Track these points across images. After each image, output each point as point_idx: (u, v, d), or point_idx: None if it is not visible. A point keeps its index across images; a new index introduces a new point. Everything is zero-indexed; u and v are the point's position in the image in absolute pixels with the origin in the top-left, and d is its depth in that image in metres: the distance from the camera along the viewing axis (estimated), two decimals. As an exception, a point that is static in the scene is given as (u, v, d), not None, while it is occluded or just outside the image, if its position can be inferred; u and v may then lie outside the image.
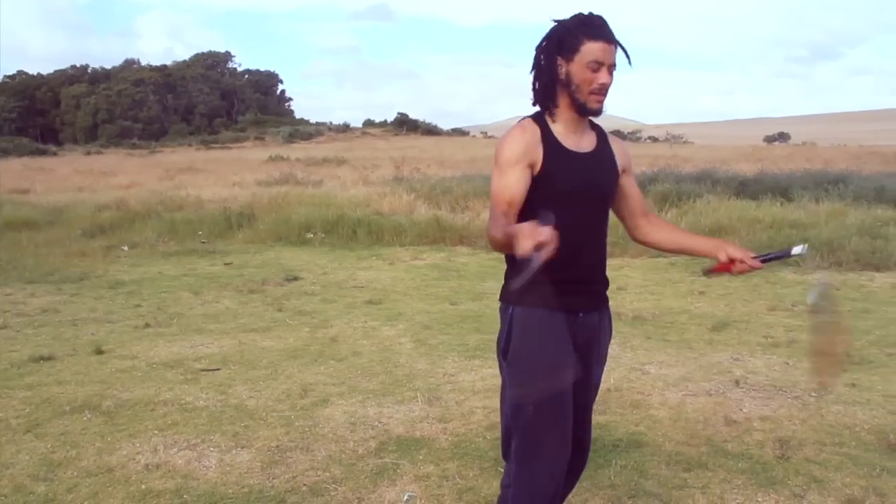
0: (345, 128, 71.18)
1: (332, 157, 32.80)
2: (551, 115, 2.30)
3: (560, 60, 2.23)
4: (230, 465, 3.57)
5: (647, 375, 4.89)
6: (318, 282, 8.52)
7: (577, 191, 2.32)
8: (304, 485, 3.36)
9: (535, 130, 2.28)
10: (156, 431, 3.97)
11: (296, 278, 8.63)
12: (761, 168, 16.89)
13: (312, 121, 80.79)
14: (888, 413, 4.19)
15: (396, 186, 16.17)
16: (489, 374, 4.97)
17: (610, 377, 4.83)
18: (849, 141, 55.54)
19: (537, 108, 2.35)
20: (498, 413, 4.21)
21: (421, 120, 76.46)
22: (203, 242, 11.64)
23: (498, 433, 3.93)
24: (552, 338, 2.33)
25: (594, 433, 3.97)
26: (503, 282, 2.43)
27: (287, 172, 20.52)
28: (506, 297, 2.38)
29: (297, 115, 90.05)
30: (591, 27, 2.20)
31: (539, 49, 2.30)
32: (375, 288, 8.21)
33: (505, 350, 2.36)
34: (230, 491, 3.30)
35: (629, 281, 8.53)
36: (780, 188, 12.62)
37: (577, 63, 2.20)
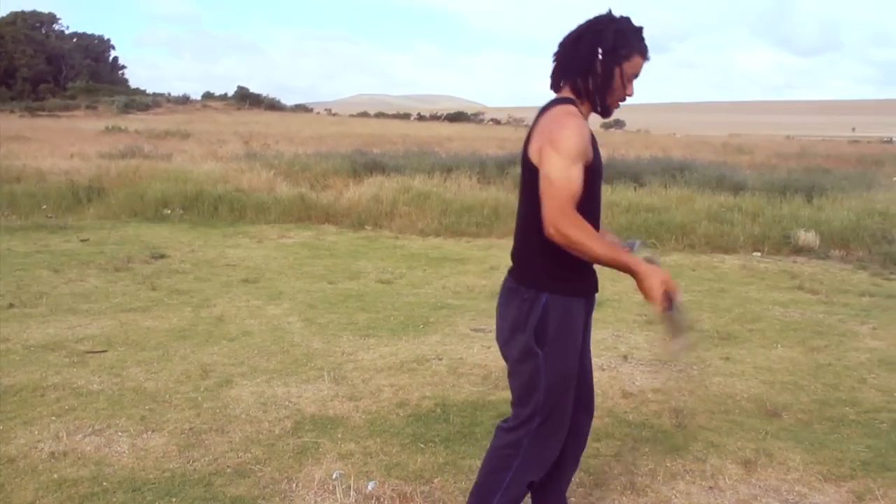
0: (184, 100, 68.31)
1: (174, 130, 31.57)
2: (581, 104, 2.35)
3: (608, 60, 2.29)
4: (144, 449, 3.44)
5: (540, 352, 5.08)
6: (186, 260, 8.23)
7: (601, 180, 2.43)
8: (228, 467, 3.29)
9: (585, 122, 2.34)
10: (53, 417, 3.75)
11: (162, 256, 8.30)
12: (611, 154, 17.71)
13: (149, 91, 77.05)
14: (761, 383, 4.58)
15: (252, 162, 15.79)
16: (387, 352, 5.03)
17: (506, 354, 5.00)
18: (678, 130, 59.06)
19: (566, 96, 2.37)
20: (406, 390, 4.30)
21: (264, 94, 74.79)
22: (49, 217, 10.93)
23: (409, 410, 4.02)
24: (579, 324, 2.44)
25: (504, 408, 4.13)
26: (525, 265, 2.44)
27: (133, 145, 19.53)
28: (536, 282, 2.37)
29: (132, 85, 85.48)
30: (643, 43, 2.31)
31: (591, 40, 2.30)
32: (248, 266, 8.03)
33: (540, 337, 2.35)
34: (151, 476, 3.18)
35: (500, 261, 8.75)
36: (632, 173, 13.30)
37: (621, 70, 2.29)
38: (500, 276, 8.44)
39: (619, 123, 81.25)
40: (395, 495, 3.08)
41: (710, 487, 3.25)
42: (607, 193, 11.70)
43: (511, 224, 9.86)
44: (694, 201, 10.92)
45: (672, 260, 8.72)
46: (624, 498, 3.14)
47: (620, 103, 2.38)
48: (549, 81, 2.43)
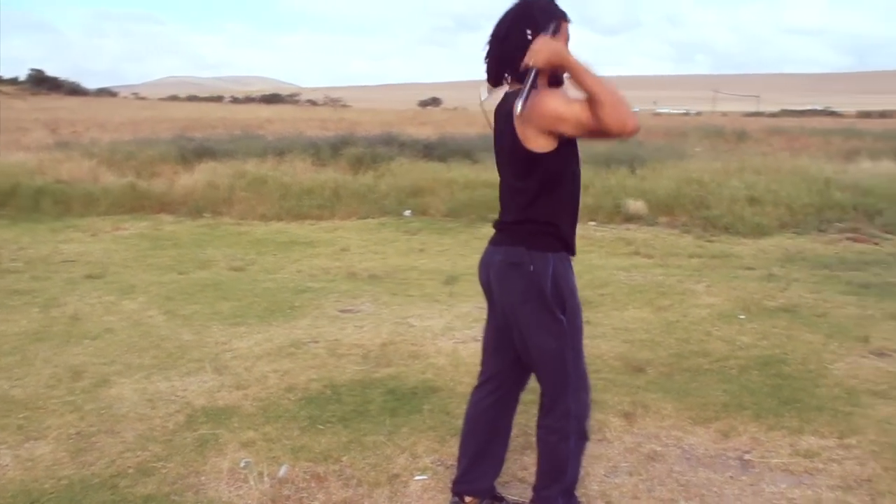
0: (-30, 85, 62.70)
1: (-36, 119, 28.91)
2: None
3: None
4: (30, 459, 3.26)
5: (414, 328, 5.21)
6: (17, 258, 7.69)
7: (580, 163, 2.56)
8: (129, 467, 3.19)
9: None
10: (-85, 435, 3.47)
11: (-13, 256, 7.72)
12: (440, 132, 18.04)
13: (-76, 75, 70.02)
14: (623, 342, 4.94)
15: (68, 152, 14.85)
16: (262, 339, 4.98)
17: (381, 332, 5.10)
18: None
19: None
20: (291, 375, 4.31)
21: (62, 78, 70.16)
22: None
23: (299, 394, 4.05)
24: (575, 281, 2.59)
25: (392, 384, 4.25)
26: (530, 237, 2.51)
27: (-77, 136, 17.82)
28: (544, 245, 2.48)
29: None
30: (561, 9, 2.41)
31: (519, 25, 2.39)
32: (89, 261, 7.62)
33: (558, 303, 2.47)
34: (46, 486, 3.03)
35: (349, 242, 8.81)
36: (464, 151, 13.64)
37: (559, 40, 2.38)
38: (354, 257, 8.51)
39: (435, 101, 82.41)
40: (308, 477, 3.11)
41: (600, 440, 3.51)
42: (444, 171, 11.97)
43: (353, 206, 9.99)
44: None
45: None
46: (525, 457, 3.34)
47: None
48: (487, 77, 2.55)
